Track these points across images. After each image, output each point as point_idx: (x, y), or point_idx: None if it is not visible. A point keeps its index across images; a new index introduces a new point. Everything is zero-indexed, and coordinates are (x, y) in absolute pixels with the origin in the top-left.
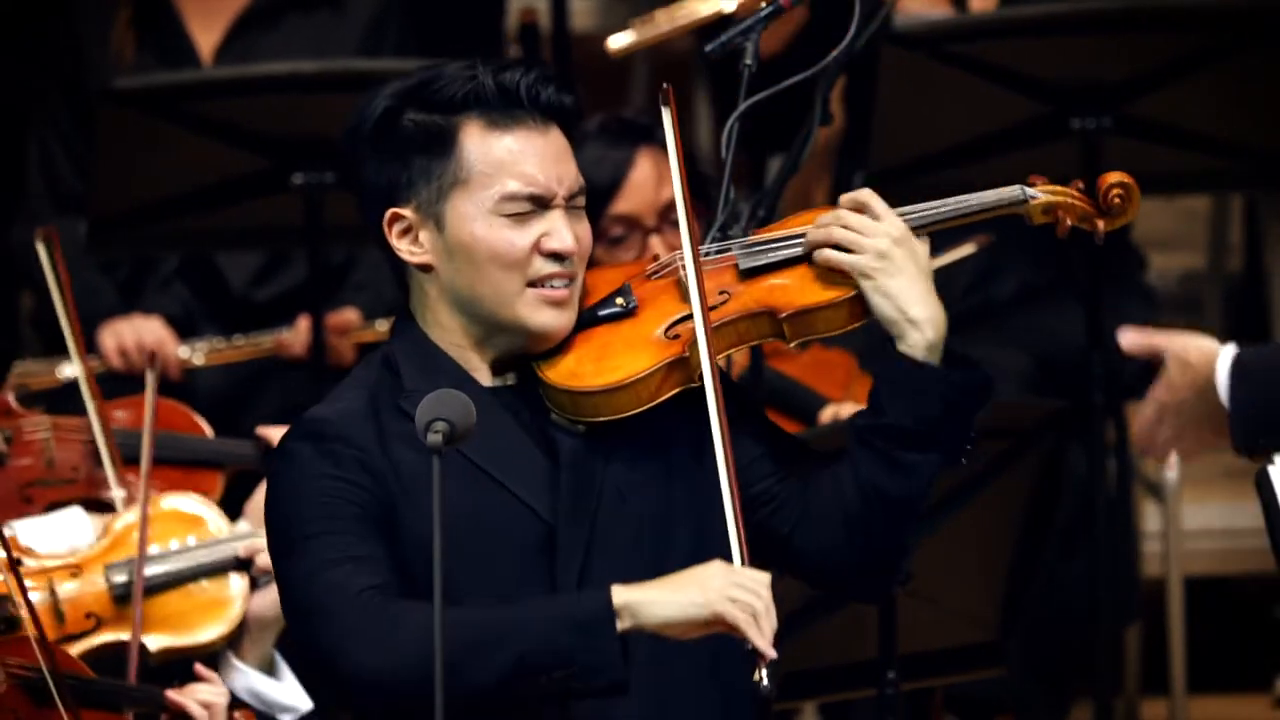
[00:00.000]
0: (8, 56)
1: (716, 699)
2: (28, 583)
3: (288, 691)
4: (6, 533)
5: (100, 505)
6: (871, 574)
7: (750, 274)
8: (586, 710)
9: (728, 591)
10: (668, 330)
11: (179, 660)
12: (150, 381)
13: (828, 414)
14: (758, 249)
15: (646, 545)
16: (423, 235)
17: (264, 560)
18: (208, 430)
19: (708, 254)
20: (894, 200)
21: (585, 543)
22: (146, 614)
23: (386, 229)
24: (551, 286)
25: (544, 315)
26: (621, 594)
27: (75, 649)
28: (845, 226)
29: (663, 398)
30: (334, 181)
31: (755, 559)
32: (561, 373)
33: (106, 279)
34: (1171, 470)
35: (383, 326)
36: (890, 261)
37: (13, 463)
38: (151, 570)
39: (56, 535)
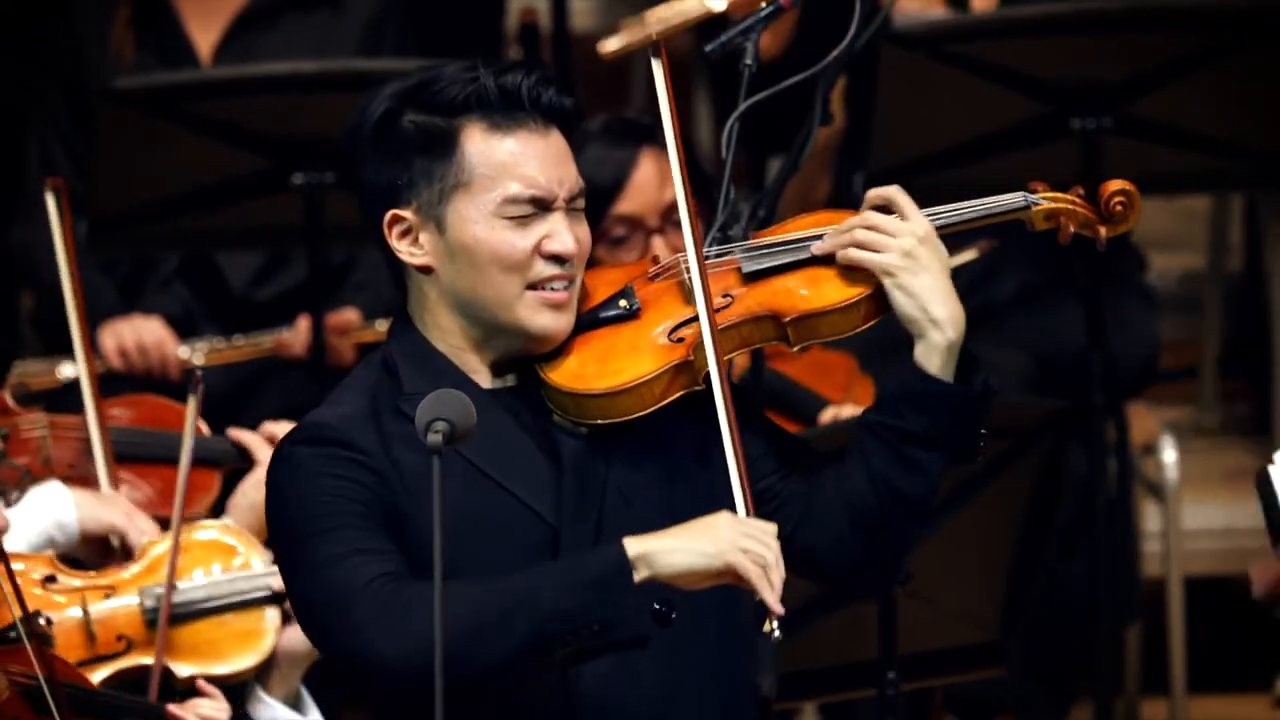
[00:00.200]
0: (8, 56)
1: (719, 699)
2: (59, 599)
3: None
4: None
5: None
6: (876, 570)
7: (753, 277)
8: (593, 706)
9: (739, 542)
10: (672, 333)
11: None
12: (192, 406)
13: (828, 416)
14: (761, 252)
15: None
16: (423, 237)
17: None
18: (204, 429)
19: (708, 256)
20: None
21: (589, 544)
22: (178, 641)
23: (386, 230)
24: (551, 289)
25: (544, 317)
26: (635, 545)
27: (104, 670)
28: (869, 226)
29: (667, 401)
30: (334, 181)
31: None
32: (565, 375)
33: (106, 279)
34: (1171, 470)
35: (383, 326)
36: (916, 260)
37: (9, 460)
38: (186, 597)
39: (38, 512)
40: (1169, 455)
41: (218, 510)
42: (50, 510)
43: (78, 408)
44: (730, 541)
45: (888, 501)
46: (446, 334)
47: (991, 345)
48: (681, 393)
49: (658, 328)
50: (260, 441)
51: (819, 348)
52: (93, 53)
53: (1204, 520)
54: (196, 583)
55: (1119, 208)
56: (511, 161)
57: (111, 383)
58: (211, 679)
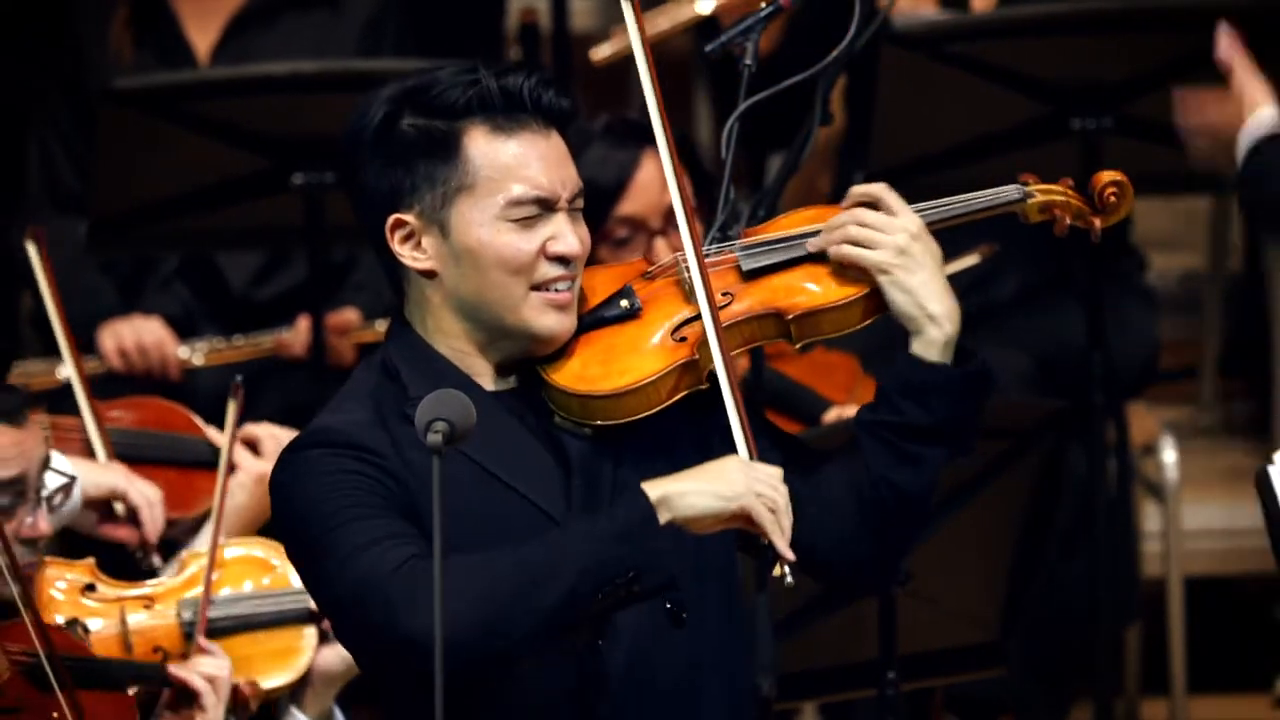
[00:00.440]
0: (8, 56)
1: (723, 699)
2: (98, 608)
3: None
4: None
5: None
6: (879, 568)
7: (753, 275)
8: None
9: (753, 486)
10: (674, 332)
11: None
12: (232, 413)
13: (831, 417)
14: (759, 249)
15: None
16: (426, 241)
17: None
18: (206, 431)
19: (708, 254)
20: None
21: None
22: None
23: (388, 235)
24: (555, 290)
25: (549, 319)
26: (655, 489)
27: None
28: (861, 223)
29: (672, 400)
30: (334, 181)
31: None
32: (568, 376)
33: (106, 279)
34: (1171, 470)
35: (382, 326)
36: (910, 257)
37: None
38: (225, 612)
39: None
40: (1169, 455)
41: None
42: (50, 479)
43: (78, 409)
44: (745, 485)
45: (889, 500)
46: (449, 337)
47: (991, 345)
48: (687, 392)
49: (660, 327)
50: (238, 446)
51: (821, 348)
52: (93, 53)
53: (1204, 520)
54: (235, 598)
55: (1112, 198)
56: (515, 163)
57: (112, 383)
58: None
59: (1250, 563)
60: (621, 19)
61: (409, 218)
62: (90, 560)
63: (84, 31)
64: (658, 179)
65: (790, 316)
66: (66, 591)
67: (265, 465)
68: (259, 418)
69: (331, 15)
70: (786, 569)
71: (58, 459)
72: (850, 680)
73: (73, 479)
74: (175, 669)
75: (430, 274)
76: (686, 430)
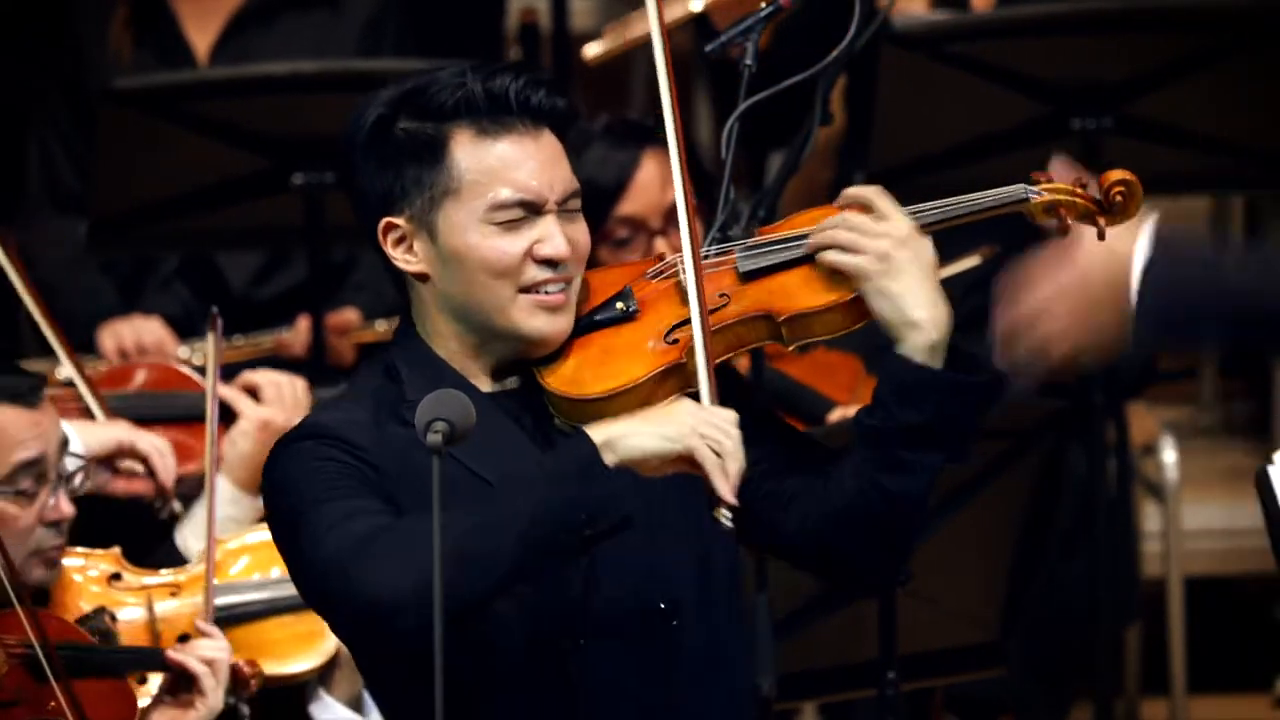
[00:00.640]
0: (8, 56)
1: (719, 700)
2: (125, 596)
3: None
4: None
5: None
6: (879, 567)
7: (750, 276)
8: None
9: (699, 428)
10: (668, 335)
11: (269, 688)
12: (211, 344)
13: (834, 418)
14: (758, 250)
15: (651, 545)
16: (417, 244)
17: None
18: (200, 383)
19: (708, 255)
20: (897, 200)
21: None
22: (242, 640)
23: (381, 238)
24: (545, 292)
25: (538, 321)
26: (598, 433)
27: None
28: (849, 227)
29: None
30: (334, 181)
31: (765, 554)
32: (562, 379)
33: (106, 279)
34: (1171, 470)
35: (382, 326)
36: (892, 263)
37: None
38: (250, 597)
39: None
40: (1169, 455)
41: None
42: (70, 461)
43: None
44: (690, 427)
45: (878, 504)
46: (446, 339)
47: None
48: (676, 395)
49: (655, 329)
50: (238, 393)
51: (824, 349)
52: (92, 53)
53: (1204, 520)
54: (260, 583)
55: (1119, 197)
56: (500, 166)
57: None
58: (275, 679)
59: (1250, 563)
60: (614, 18)
61: (400, 221)
62: (116, 549)
63: (84, 31)
64: (658, 179)
65: (781, 319)
66: (94, 580)
67: (268, 411)
68: None
69: (331, 15)
70: (725, 514)
71: (72, 440)
72: (850, 680)
73: (87, 460)
74: (173, 653)
75: (423, 277)
76: None
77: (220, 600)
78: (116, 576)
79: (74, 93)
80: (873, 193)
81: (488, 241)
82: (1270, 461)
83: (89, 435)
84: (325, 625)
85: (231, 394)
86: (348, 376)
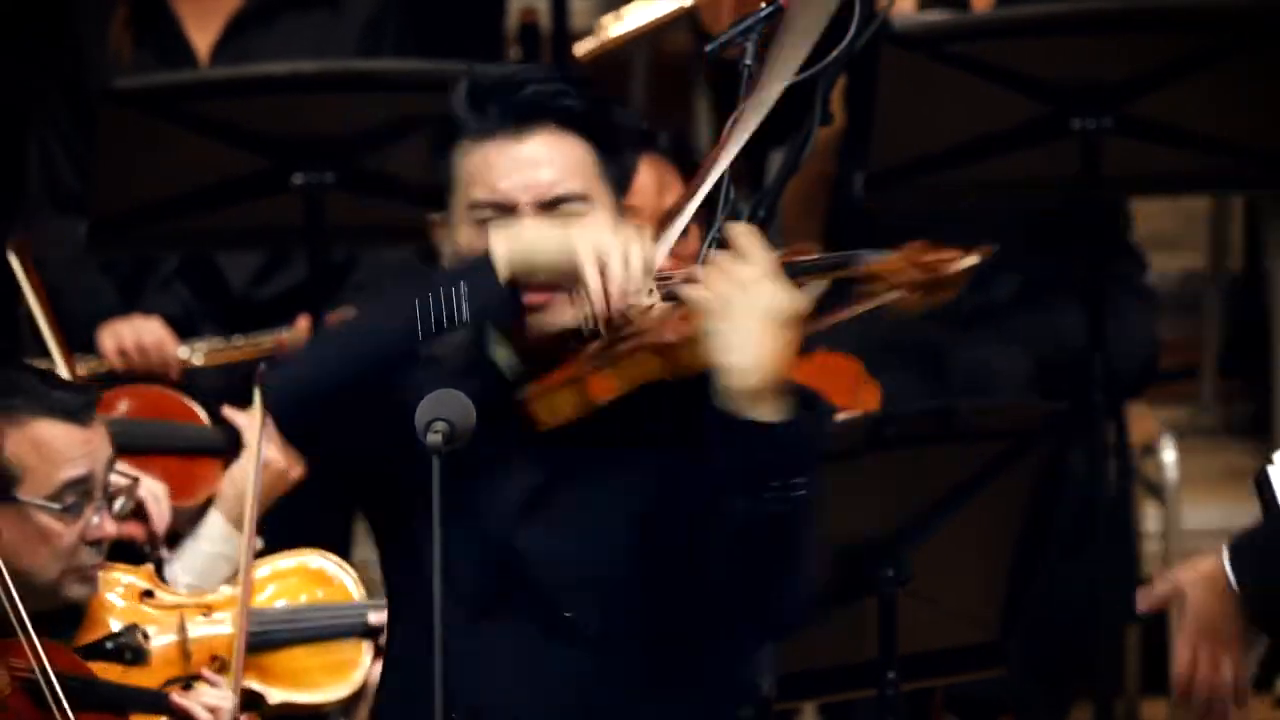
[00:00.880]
0: (8, 56)
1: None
2: (156, 614)
3: None
4: None
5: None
6: (743, 615)
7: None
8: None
9: (598, 242)
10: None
11: (295, 716)
12: (259, 401)
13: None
14: (660, 279)
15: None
16: (445, 243)
17: None
18: (204, 418)
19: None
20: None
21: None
22: (272, 666)
23: (428, 230)
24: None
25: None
26: (499, 233)
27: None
28: (711, 264)
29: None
30: (334, 181)
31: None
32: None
33: (106, 279)
34: (1171, 470)
35: None
36: (726, 305)
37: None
38: (281, 624)
39: None
40: (1169, 455)
41: (210, 499)
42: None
43: None
44: (589, 239)
45: (726, 545)
46: None
47: (991, 345)
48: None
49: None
50: (250, 421)
51: (824, 351)
52: (93, 53)
53: (1204, 520)
54: (292, 610)
55: (943, 290)
56: (481, 169)
57: (112, 383)
58: (300, 706)
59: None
60: (605, 12)
61: (437, 217)
62: (149, 566)
63: (84, 31)
64: (653, 184)
65: (657, 347)
66: (125, 596)
67: (270, 451)
68: None
69: (331, 15)
70: (587, 324)
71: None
72: (850, 680)
73: (135, 479)
74: (177, 698)
75: None
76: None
77: (253, 626)
78: (148, 594)
79: (74, 93)
80: (739, 231)
81: (472, 241)
82: (1270, 461)
83: None
84: (355, 655)
85: (244, 422)
86: None
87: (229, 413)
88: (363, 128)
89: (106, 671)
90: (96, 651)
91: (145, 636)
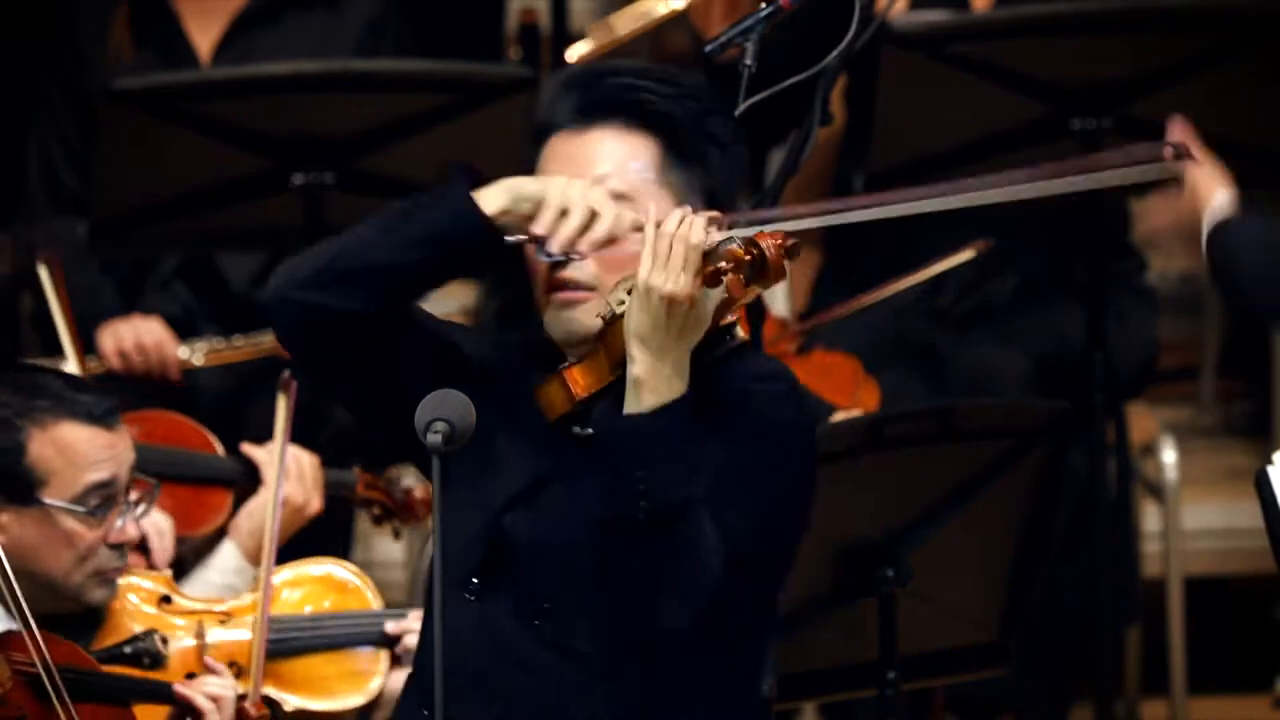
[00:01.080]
0: (8, 56)
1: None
2: (175, 620)
3: None
4: None
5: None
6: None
7: None
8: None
9: (567, 191)
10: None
11: None
12: (282, 407)
13: (835, 419)
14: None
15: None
16: None
17: (411, 640)
18: (218, 447)
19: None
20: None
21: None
22: (289, 673)
23: None
24: (560, 290)
25: (557, 318)
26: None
27: None
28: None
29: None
30: (334, 181)
31: None
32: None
33: (106, 279)
34: (1171, 471)
35: None
36: (648, 292)
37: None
38: (300, 631)
39: None
40: (1169, 455)
41: (222, 531)
42: None
43: None
44: (557, 187)
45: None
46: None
47: (991, 345)
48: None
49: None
50: (269, 458)
51: (823, 350)
52: (93, 53)
53: (1204, 520)
54: (312, 618)
55: (765, 276)
56: (545, 158)
57: (112, 384)
58: (317, 714)
59: (1250, 563)
60: (606, 13)
61: None
62: (168, 572)
63: (84, 31)
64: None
65: (603, 333)
66: (143, 601)
67: (287, 487)
68: (259, 418)
69: (332, 15)
70: (541, 251)
71: None
72: (850, 680)
73: (156, 484)
74: (180, 687)
75: None
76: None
77: (271, 633)
78: (166, 599)
79: (74, 93)
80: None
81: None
82: (1270, 462)
83: None
84: (373, 664)
85: (262, 458)
86: None
87: (248, 449)
88: (363, 128)
89: (16, 645)
90: (115, 656)
91: (164, 641)
